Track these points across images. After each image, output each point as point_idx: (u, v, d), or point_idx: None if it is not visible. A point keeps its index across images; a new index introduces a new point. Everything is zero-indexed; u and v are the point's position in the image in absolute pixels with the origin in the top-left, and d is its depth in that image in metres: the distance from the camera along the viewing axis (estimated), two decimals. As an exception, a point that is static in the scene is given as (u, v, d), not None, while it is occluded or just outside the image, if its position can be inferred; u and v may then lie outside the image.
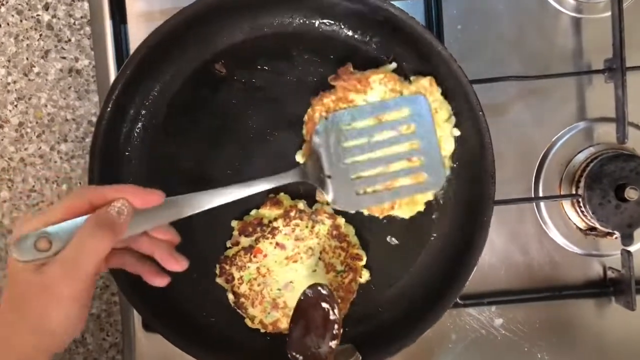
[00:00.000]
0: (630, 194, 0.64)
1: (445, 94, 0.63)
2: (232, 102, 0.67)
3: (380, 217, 0.65)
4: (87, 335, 0.77)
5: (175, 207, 0.54)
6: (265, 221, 0.64)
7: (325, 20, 0.65)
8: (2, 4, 0.76)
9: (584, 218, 0.70)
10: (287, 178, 0.61)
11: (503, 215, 0.70)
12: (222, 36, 0.66)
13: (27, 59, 0.76)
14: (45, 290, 0.47)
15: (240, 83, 0.67)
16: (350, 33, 0.66)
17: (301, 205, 0.65)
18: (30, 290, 0.47)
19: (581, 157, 0.70)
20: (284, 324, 0.65)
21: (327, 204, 0.64)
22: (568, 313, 0.71)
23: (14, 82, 0.76)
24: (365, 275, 0.66)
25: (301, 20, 0.66)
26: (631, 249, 0.67)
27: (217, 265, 0.66)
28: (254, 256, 0.65)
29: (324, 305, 0.56)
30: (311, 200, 0.66)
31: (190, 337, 0.63)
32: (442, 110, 0.63)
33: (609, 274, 0.71)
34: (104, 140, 0.63)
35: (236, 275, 0.65)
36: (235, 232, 0.65)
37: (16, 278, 0.48)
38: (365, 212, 0.65)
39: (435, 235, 0.66)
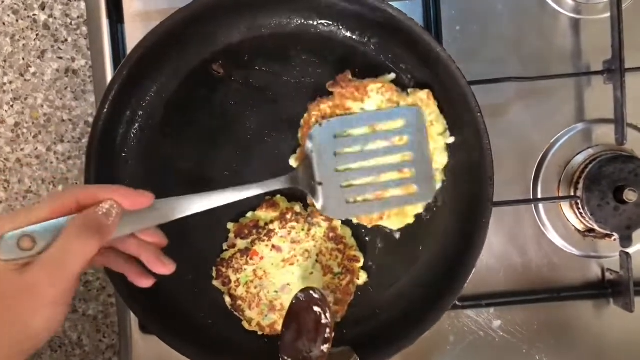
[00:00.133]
0: (629, 195, 0.64)
1: (441, 108, 0.63)
2: (230, 103, 0.67)
3: (369, 226, 0.65)
4: (84, 336, 0.76)
5: (164, 210, 0.53)
6: (262, 223, 0.64)
7: (323, 21, 0.65)
8: (-2, 4, 0.76)
9: (582, 220, 0.69)
10: (278, 184, 0.61)
11: (501, 216, 0.70)
12: (219, 36, 0.65)
13: (23, 59, 0.76)
14: (28, 292, 0.46)
15: (238, 84, 0.66)
16: (348, 34, 0.65)
17: (297, 207, 0.65)
18: (12, 291, 0.46)
19: (580, 158, 0.70)
20: (281, 327, 0.65)
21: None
22: (566, 315, 0.71)
23: (10, 82, 0.76)
24: (362, 277, 0.66)
25: (299, 21, 0.65)
26: (630, 250, 0.67)
27: (214, 268, 0.65)
28: (251, 259, 0.64)
29: (316, 309, 0.56)
30: (307, 203, 0.66)
31: (187, 339, 0.63)
32: (437, 124, 0.63)
33: (608, 275, 0.71)
34: (100, 141, 0.62)
35: (233, 277, 0.65)
36: (232, 235, 0.65)
37: None
38: (355, 221, 0.65)
39: (433, 236, 0.66)
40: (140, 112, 0.66)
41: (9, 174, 0.76)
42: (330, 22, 0.65)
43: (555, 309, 0.71)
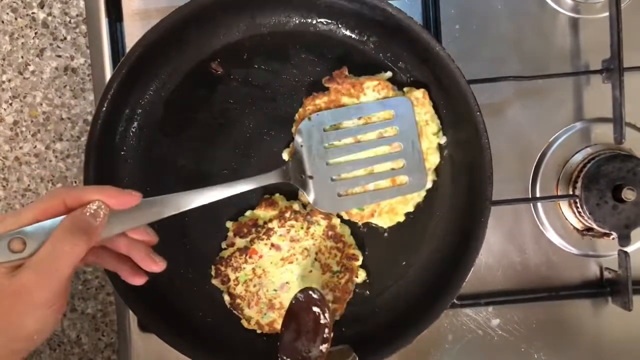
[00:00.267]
0: (628, 194, 0.64)
1: (436, 107, 0.64)
2: (229, 101, 0.66)
3: (360, 223, 0.65)
4: (83, 335, 0.76)
5: (153, 208, 0.53)
6: (260, 222, 0.64)
7: (322, 20, 0.65)
8: (-3, 2, 0.76)
9: (581, 218, 0.69)
10: (269, 179, 0.61)
11: (500, 215, 0.70)
12: (218, 35, 0.65)
13: (22, 57, 0.76)
14: (18, 295, 0.46)
15: (237, 82, 0.66)
16: (347, 33, 0.65)
17: (296, 206, 0.65)
18: (3, 294, 0.46)
19: (578, 157, 0.70)
20: (280, 325, 0.65)
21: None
22: (565, 313, 0.71)
23: (9, 80, 0.76)
24: (361, 276, 0.66)
25: (298, 20, 0.65)
26: (628, 249, 0.67)
27: (213, 267, 0.65)
28: (250, 257, 0.64)
29: (315, 309, 0.56)
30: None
31: (186, 337, 0.63)
32: (432, 124, 0.63)
33: (606, 274, 0.71)
34: (99, 139, 0.62)
35: (232, 276, 0.65)
36: (231, 233, 0.65)
37: None
38: (345, 217, 0.65)
39: (432, 235, 0.66)
40: (139, 111, 0.66)
41: (8, 172, 0.76)
42: (330, 21, 0.65)
43: (553, 307, 0.71)
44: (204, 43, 0.65)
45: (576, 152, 0.71)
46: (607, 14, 0.67)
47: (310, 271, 0.65)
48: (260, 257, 0.65)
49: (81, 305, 0.77)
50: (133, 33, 0.70)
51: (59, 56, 0.76)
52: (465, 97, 0.61)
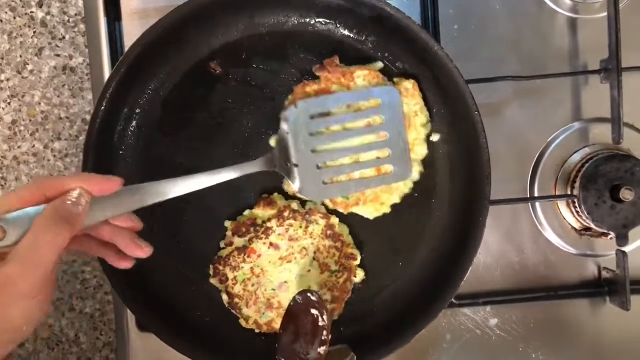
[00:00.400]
0: (626, 194, 0.64)
1: (426, 99, 0.64)
2: (227, 100, 0.66)
3: (345, 212, 0.65)
4: (81, 334, 0.76)
5: (136, 195, 0.52)
6: (259, 221, 0.64)
7: (321, 19, 0.65)
8: (-4, 1, 0.75)
9: (579, 218, 0.70)
10: (255, 166, 0.60)
11: (498, 215, 0.70)
12: (217, 34, 0.65)
13: (20, 56, 0.76)
14: (3, 287, 0.45)
15: (236, 82, 0.66)
16: (346, 32, 0.65)
17: (295, 205, 0.65)
18: None
19: (576, 157, 0.70)
20: (278, 324, 0.65)
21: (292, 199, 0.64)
22: (563, 313, 0.71)
23: (7, 79, 0.76)
24: (359, 275, 0.66)
25: (297, 19, 0.65)
26: (626, 249, 0.67)
27: (211, 266, 0.65)
28: (248, 256, 0.64)
29: (313, 311, 0.56)
30: (304, 200, 0.66)
31: (184, 336, 0.63)
32: (421, 115, 0.63)
33: (604, 274, 0.71)
34: (97, 139, 0.62)
35: (230, 275, 0.65)
36: (229, 233, 0.65)
37: None
38: (330, 205, 0.65)
39: (430, 234, 0.66)
40: (138, 110, 0.66)
41: (6, 171, 0.76)
42: (328, 20, 0.65)
43: (551, 307, 0.71)
44: (202, 42, 0.65)
45: (574, 152, 0.71)
46: (605, 14, 0.67)
47: (309, 270, 0.65)
48: (259, 256, 0.65)
49: (79, 305, 0.77)
50: (132, 32, 0.70)
51: (58, 55, 0.76)
52: (464, 97, 0.61)
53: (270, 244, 0.64)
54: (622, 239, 0.66)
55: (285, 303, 0.65)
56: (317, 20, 0.65)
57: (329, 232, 0.65)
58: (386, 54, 0.65)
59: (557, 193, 0.71)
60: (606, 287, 0.71)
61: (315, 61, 0.66)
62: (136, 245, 0.54)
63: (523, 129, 0.71)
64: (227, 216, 0.66)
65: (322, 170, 0.62)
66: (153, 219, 0.66)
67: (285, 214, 0.64)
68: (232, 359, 0.65)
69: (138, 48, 0.61)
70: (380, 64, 0.64)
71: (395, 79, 0.64)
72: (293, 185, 0.62)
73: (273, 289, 0.65)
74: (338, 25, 0.65)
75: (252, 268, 0.65)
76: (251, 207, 0.65)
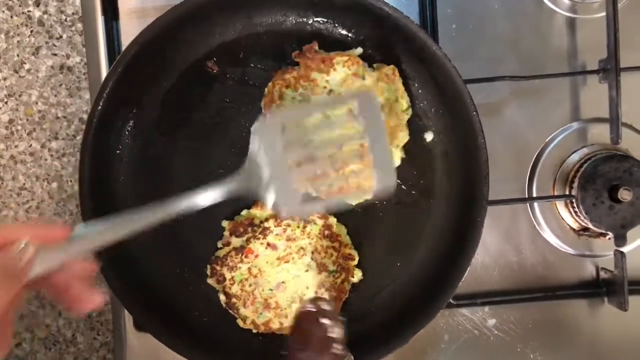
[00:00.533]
0: (624, 194, 0.64)
1: (406, 84, 0.63)
2: (225, 100, 0.66)
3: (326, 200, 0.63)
4: (78, 334, 0.76)
5: (86, 240, 0.49)
6: (257, 221, 0.64)
7: (319, 19, 0.65)
8: (-7, 0, 0.75)
9: (577, 218, 0.69)
10: (231, 186, 0.53)
11: (496, 215, 0.70)
12: (215, 34, 0.65)
13: (17, 55, 0.76)
14: None
15: (233, 81, 0.66)
16: (344, 32, 0.65)
17: (293, 205, 0.64)
18: None
19: (575, 157, 0.70)
20: (276, 325, 0.65)
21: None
22: (561, 313, 0.71)
23: (4, 78, 0.76)
24: (357, 275, 0.66)
25: (295, 19, 0.65)
26: (624, 249, 0.67)
27: (208, 266, 0.65)
28: (245, 257, 0.64)
29: (324, 321, 0.52)
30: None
31: (181, 337, 0.63)
32: (402, 100, 0.63)
33: (602, 274, 0.71)
34: (95, 138, 0.62)
35: (227, 275, 0.64)
36: (226, 233, 0.65)
37: None
38: (314, 194, 0.61)
39: (428, 234, 0.66)
40: (135, 110, 0.65)
41: (3, 171, 0.76)
42: (326, 20, 0.65)
43: (549, 307, 0.71)
44: (200, 42, 0.65)
45: (573, 152, 0.71)
46: (604, 14, 0.67)
47: (307, 271, 0.65)
48: (256, 256, 0.64)
49: (76, 305, 0.76)
50: (129, 31, 0.69)
51: (55, 54, 0.76)
52: (462, 97, 0.61)
53: (268, 244, 0.64)
54: (620, 240, 0.66)
55: (283, 303, 0.64)
56: (315, 19, 0.65)
57: (326, 232, 0.65)
58: (384, 53, 0.65)
59: (556, 193, 0.71)
60: (604, 288, 0.71)
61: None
62: (88, 300, 0.50)
63: (521, 129, 0.71)
64: (225, 216, 0.66)
65: (298, 186, 0.55)
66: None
67: (283, 214, 0.64)
68: (228, 358, 0.64)
69: (135, 47, 0.61)
70: (359, 50, 0.64)
71: (375, 65, 0.64)
72: (268, 204, 0.54)
73: (271, 289, 0.65)
74: (336, 25, 0.65)
75: (249, 268, 0.64)
76: (249, 207, 0.65)
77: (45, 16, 0.75)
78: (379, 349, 0.63)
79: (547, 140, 0.71)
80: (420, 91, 0.66)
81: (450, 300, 0.63)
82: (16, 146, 0.76)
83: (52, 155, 0.76)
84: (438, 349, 0.71)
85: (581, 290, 0.71)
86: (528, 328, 0.71)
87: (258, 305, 0.65)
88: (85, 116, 0.75)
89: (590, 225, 0.67)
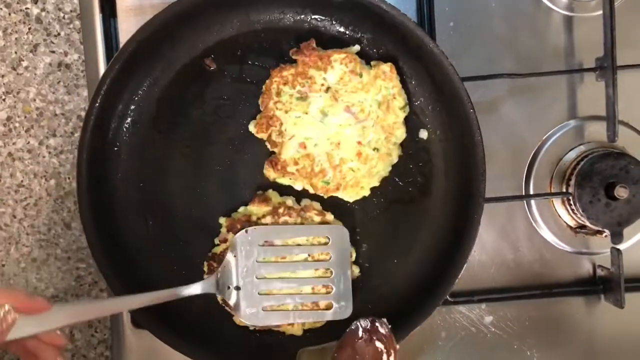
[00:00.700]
0: (620, 192, 0.65)
1: (404, 82, 0.64)
2: (223, 97, 0.66)
3: (325, 197, 0.65)
4: (76, 331, 0.76)
5: (63, 314, 0.53)
6: (254, 218, 0.64)
7: (316, 16, 0.65)
8: (-9, -3, 0.75)
9: (574, 216, 0.70)
10: (194, 289, 0.60)
11: (493, 212, 0.70)
12: (212, 31, 0.65)
13: (15, 52, 0.75)
14: None
15: (231, 78, 0.66)
16: (341, 29, 0.65)
17: (290, 202, 0.65)
18: None
19: (572, 155, 0.71)
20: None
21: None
22: (558, 311, 0.71)
23: (2, 76, 0.76)
24: (355, 272, 0.66)
25: (292, 16, 0.65)
26: (621, 247, 0.67)
27: (205, 263, 0.65)
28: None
29: (379, 345, 0.48)
30: (300, 197, 0.66)
31: (178, 333, 0.63)
32: (399, 98, 0.64)
33: (599, 271, 0.71)
34: (92, 135, 0.62)
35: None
36: (223, 229, 0.65)
37: None
38: (311, 190, 0.65)
39: (425, 232, 0.66)
40: (133, 107, 0.66)
41: (1, 168, 0.76)
42: (324, 17, 0.65)
43: (546, 305, 0.71)
44: (197, 39, 0.65)
45: (569, 150, 0.71)
46: (600, 12, 0.67)
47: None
48: (253, 253, 0.65)
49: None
50: (127, 29, 0.69)
51: (53, 52, 0.76)
52: (459, 94, 0.61)
53: (265, 241, 0.64)
54: (616, 237, 0.67)
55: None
56: (312, 17, 0.65)
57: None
58: (382, 51, 0.65)
59: (553, 191, 0.71)
60: (601, 285, 0.71)
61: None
62: None
63: (518, 127, 0.71)
64: (222, 213, 0.66)
65: (263, 297, 0.63)
66: (147, 215, 0.66)
67: (281, 210, 0.64)
68: (226, 356, 0.64)
69: (133, 44, 0.61)
70: (357, 47, 0.64)
71: (372, 62, 0.64)
72: (231, 305, 0.62)
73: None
74: (334, 22, 0.65)
75: (246, 265, 0.65)
76: (246, 204, 0.65)
77: (43, 13, 0.75)
78: (376, 345, 0.63)
79: (544, 137, 0.71)
80: (417, 89, 0.66)
81: (447, 297, 0.64)
82: (14, 143, 0.76)
83: (50, 153, 0.76)
84: (435, 346, 0.71)
85: (578, 287, 0.71)
86: (525, 325, 0.71)
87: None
88: (83, 113, 0.75)
89: (587, 223, 0.67)
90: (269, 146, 0.65)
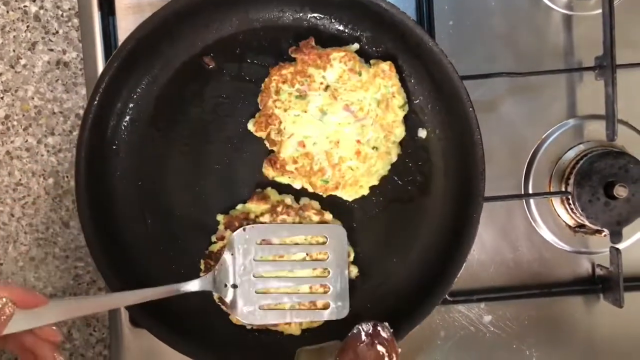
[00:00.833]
0: (620, 191, 0.64)
1: (403, 80, 0.64)
2: (222, 96, 0.66)
3: (324, 195, 0.65)
4: (74, 330, 0.76)
5: (60, 309, 0.53)
6: (252, 216, 0.64)
7: (315, 14, 0.65)
8: (-11, -5, 0.75)
9: (573, 215, 0.70)
10: (192, 286, 0.60)
11: (492, 211, 0.70)
12: (211, 29, 0.65)
13: (13, 50, 0.75)
14: None
15: (230, 77, 0.66)
16: (341, 27, 0.65)
17: (288, 200, 0.64)
18: None
19: (571, 154, 0.70)
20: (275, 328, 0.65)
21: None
22: (557, 310, 0.71)
23: (0, 74, 0.75)
24: (353, 272, 0.66)
25: (291, 14, 0.65)
26: (620, 246, 0.67)
27: (202, 261, 0.65)
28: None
29: (380, 349, 0.49)
30: (299, 196, 0.66)
31: (176, 332, 0.63)
32: (398, 96, 0.64)
33: (598, 271, 0.71)
34: (91, 133, 0.62)
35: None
36: (221, 227, 0.65)
37: None
38: (310, 189, 0.65)
39: (424, 231, 0.66)
40: (131, 105, 0.65)
41: (-1, 166, 0.76)
42: (323, 15, 0.65)
43: (545, 304, 0.71)
44: (196, 37, 0.65)
45: (569, 149, 0.71)
46: (600, 11, 0.67)
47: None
48: (251, 251, 0.65)
49: (72, 301, 0.76)
50: (126, 27, 0.69)
51: (51, 50, 0.75)
52: (458, 93, 0.61)
53: (263, 240, 0.64)
54: (616, 236, 0.66)
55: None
56: (312, 15, 0.65)
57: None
58: (381, 49, 0.65)
59: (552, 190, 0.71)
60: (600, 284, 0.71)
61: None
62: (52, 358, 0.53)
63: (518, 126, 0.71)
64: (220, 210, 0.66)
65: (260, 295, 0.63)
66: (146, 214, 0.66)
67: (279, 209, 0.64)
68: (223, 354, 0.64)
69: (132, 42, 0.61)
70: (356, 46, 0.64)
71: (372, 61, 0.64)
72: (227, 304, 0.62)
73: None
74: (333, 21, 0.65)
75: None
76: (244, 202, 0.65)
77: (42, 11, 0.75)
78: (374, 345, 0.63)
79: (543, 136, 0.71)
80: (416, 87, 0.66)
81: (446, 296, 0.63)
82: (12, 142, 0.76)
83: (48, 151, 0.76)
84: (434, 345, 0.71)
85: (577, 286, 0.71)
86: (524, 324, 0.71)
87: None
88: (81, 112, 0.75)
89: (586, 222, 0.67)
90: (267, 145, 0.65)
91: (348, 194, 0.65)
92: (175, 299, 0.65)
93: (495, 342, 0.71)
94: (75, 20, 0.75)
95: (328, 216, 0.65)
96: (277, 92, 0.63)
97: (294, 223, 0.64)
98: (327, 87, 0.63)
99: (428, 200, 0.66)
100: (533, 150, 0.71)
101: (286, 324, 0.64)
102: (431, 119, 0.66)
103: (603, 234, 0.69)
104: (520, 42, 0.71)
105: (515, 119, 0.71)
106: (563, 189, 0.70)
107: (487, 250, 0.71)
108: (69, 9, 0.75)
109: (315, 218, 0.64)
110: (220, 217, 0.65)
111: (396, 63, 0.64)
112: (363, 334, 0.50)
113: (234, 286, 0.62)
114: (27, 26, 0.75)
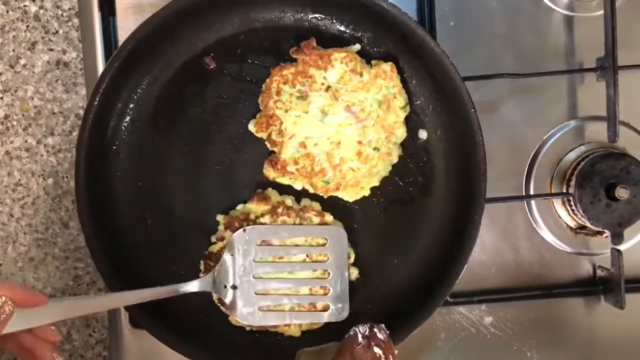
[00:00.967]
0: (621, 193, 0.64)
1: (404, 81, 0.64)
2: (222, 96, 0.66)
3: (325, 196, 0.65)
4: (73, 331, 0.76)
5: (59, 309, 0.53)
6: (252, 217, 0.64)
7: (317, 15, 0.65)
8: (-11, -5, 0.75)
9: (574, 217, 0.69)
10: (193, 287, 0.60)
11: (494, 213, 0.70)
12: (212, 29, 0.65)
13: (13, 50, 0.75)
14: None
15: (230, 77, 0.66)
16: (342, 28, 0.65)
17: (289, 201, 0.64)
18: None
19: (572, 155, 0.70)
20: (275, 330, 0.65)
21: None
22: (558, 311, 0.71)
23: (0, 74, 0.75)
24: (354, 273, 0.66)
25: (292, 15, 0.65)
26: (621, 247, 0.67)
27: (202, 261, 0.65)
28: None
29: (377, 350, 0.49)
30: (300, 196, 0.65)
31: (176, 333, 0.63)
32: (399, 97, 0.63)
33: (599, 272, 0.71)
34: (91, 134, 0.62)
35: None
36: (221, 227, 0.65)
37: None
38: (311, 190, 0.64)
39: (425, 232, 0.66)
40: (132, 105, 0.65)
41: (-2, 166, 0.76)
42: (324, 16, 0.65)
43: (546, 305, 0.71)
44: (197, 37, 0.65)
45: (570, 150, 0.71)
46: (601, 12, 0.67)
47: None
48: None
49: (72, 302, 0.76)
50: (126, 27, 0.69)
51: (51, 50, 0.75)
52: (460, 94, 0.61)
53: (263, 240, 0.64)
54: (617, 238, 0.66)
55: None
56: (313, 15, 0.65)
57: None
58: (382, 50, 0.65)
59: (553, 191, 0.71)
60: (601, 286, 0.71)
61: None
62: (51, 358, 0.53)
63: (519, 127, 0.71)
64: (220, 210, 0.65)
65: (260, 297, 0.63)
66: (146, 214, 0.66)
67: (279, 210, 0.64)
68: (222, 355, 0.64)
69: (132, 42, 0.61)
70: (357, 46, 0.64)
71: (373, 62, 0.64)
72: (227, 305, 0.62)
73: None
74: (334, 21, 0.65)
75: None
76: (245, 202, 0.65)
77: (42, 11, 0.75)
78: (375, 346, 0.63)
79: (544, 138, 0.71)
80: (418, 88, 0.66)
81: (447, 298, 0.63)
82: (12, 142, 0.75)
83: (48, 151, 0.76)
84: (434, 346, 0.71)
85: (578, 288, 0.71)
86: (525, 326, 0.71)
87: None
88: (81, 112, 0.75)
89: (588, 224, 0.67)
90: (268, 145, 0.65)
91: (349, 195, 0.65)
92: (175, 299, 0.65)
93: (496, 344, 0.71)
94: (76, 20, 0.75)
95: (329, 218, 0.65)
96: (278, 93, 0.63)
97: (294, 224, 0.64)
98: (328, 88, 0.63)
99: (429, 201, 0.66)
100: (534, 151, 0.71)
101: (286, 325, 0.64)
102: (432, 120, 0.66)
103: (604, 235, 0.69)
104: (522, 43, 0.71)
105: (517, 120, 0.71)
106: (564, 191, 0.70)
107: (487, 251, 0.71)
108: (69, 8, 0.75)
109: (316, 219, 0.64)
110: (220, 218, 0.65)
111: (397, 64, 0.64)
112: (360, 336, 0.50)
113: (234, 287, 0.62)
114: (27, 26, 0.75)
